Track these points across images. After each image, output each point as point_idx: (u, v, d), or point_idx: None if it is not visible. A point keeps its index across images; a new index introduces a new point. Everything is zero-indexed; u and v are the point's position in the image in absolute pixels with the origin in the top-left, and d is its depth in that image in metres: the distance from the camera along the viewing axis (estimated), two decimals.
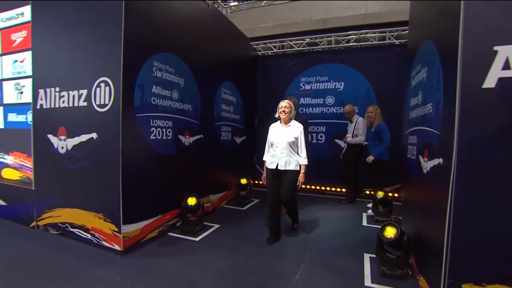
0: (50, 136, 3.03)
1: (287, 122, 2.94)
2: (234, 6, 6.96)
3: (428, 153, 1.99)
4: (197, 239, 3.09)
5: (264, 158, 3.05)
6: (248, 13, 8.93)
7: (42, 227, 3.18)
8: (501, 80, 1.42)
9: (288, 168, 2.86)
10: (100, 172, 2.69)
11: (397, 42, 5.04)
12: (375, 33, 5.33)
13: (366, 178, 4.43)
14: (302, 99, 5.70)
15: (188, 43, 3.49)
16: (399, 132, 3.78)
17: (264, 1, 7.19)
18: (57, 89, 2.95)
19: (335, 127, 5.41)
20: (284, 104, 2.92)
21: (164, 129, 3.14)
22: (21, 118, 3.70)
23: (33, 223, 3.23)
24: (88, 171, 2.77)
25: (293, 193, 2.98)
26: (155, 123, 3.00)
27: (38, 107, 3.14)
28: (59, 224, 3.01)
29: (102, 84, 2.62)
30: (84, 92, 2.74)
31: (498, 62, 1.43)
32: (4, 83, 3.89)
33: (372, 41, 5.37)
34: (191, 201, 3.25)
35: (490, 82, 1.44)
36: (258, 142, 5.92)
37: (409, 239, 2.29)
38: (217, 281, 2.25)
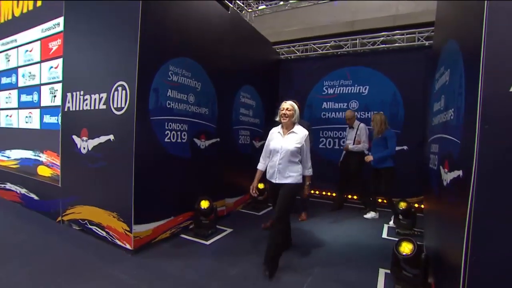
0: (74, 137, 3.23)
1: (289, 127, 2.55)
2: (259, 10, 7.02)
3: (448, 164, 1.80)
4: (208, 242, 3.10)
5: (258, 167, 2.69)
6: (275, 17, 8.94)
7: (67, 222, 3.38)
8: None
9: (287, 181, 2.47)
10: (115, 172, 2.80)
11: (427, 43, 4.71)
12: (403, 34, 5.04)
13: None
14: (325, 103, 5.55)
15: (205, 48, 3.55)
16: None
17: (289, 4, 7.15)
18: (82, 92, 3.14)
19: None
20: (285, 105, 2.52)
21: (179, 132, 3.20)
22: (53, 119, 4.00)
23: (59, 218, 3.45)
24: (105, 171, 2.90)
25: (287, 210, 2.50)
26: (170, 126, 3.06)
27: (66, 109, 3.36)
28: (79, 220, 3.18)
29: (120, 88, 2.73)
30: (104, 95, 2.88)
31: None
32: (42, 87, 4.23)
33: (400, 43, 5.08)
34: (204, 204, 3.27)
35: None
36: None
37: (428, 257, 2.09)
38: (221, 287, 2.22)
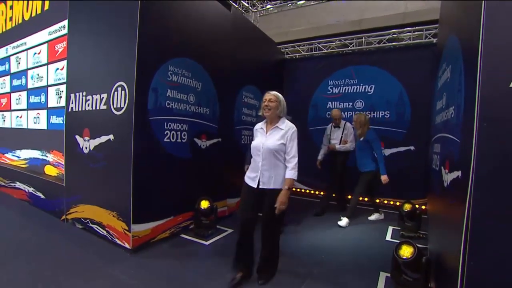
0: (77, 137, 3.28)
1: (273, 121, 2.17)
2: (264, 10, 6.99)
3: (449, 165, 1.73)
4: (207, 243, 3.08)
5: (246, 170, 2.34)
6: (282, 17, 8.89)
7: (70, 221, 3.43)
8: None
9: (273, 186, 2.10)
10: (115, 172, 2.82)
11: (434, 40, 4.57)
12: (410, 32, 4.92)
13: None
14: (330, 103, 5.47)
15: (206, 48, 3.55)
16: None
17: (294, 4, 7.09)
18: (84, 93, 3.18)
19: None
20: (268, 96, 2.15)
21: (179, 132, 3.20)
22: (59, 120, 4.08)
23: (63, 217, 3.51)
24: (105, 171, 2.93)
25: (277, 226, 2.22)
26: (170, 126, 3.07)
27: (69, 110, 3.42)
28: (82, 219, 3.23)
29: (119, 88, 2.76)
30: (104, 96, 2.91)
31: None
32: (49, 88, 4.33)
33: (407, 41, 4.96)
34: (204, 204, 3.26)
35: None
36: None
37: (429, 260, 2.01)
38: (216, 286, 2.21)
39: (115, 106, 2.80)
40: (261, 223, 2.18)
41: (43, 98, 4.42)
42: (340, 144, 4.31)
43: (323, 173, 4.55)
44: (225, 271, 2.45)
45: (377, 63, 5.04)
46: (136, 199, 2.67)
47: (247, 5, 6.52)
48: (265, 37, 5.28)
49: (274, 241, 2.27)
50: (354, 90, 5.24)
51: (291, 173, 2.10)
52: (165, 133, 3.02)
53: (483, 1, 1.26)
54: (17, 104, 5.08)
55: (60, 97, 4.05)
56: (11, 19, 5.15)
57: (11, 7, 5.15)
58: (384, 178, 3.67)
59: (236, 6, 5.93)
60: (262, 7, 6.87)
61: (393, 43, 5.12)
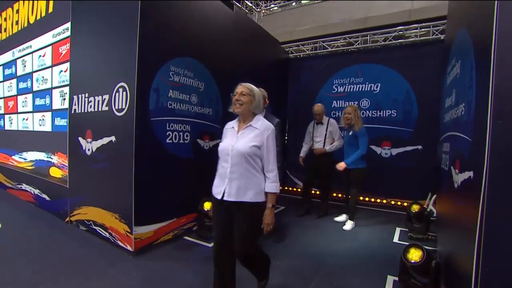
0: (80, 139, 3.27)
1: (246, 119, 1.77)
2: (268, 9, 6.95)
3: (459, 164, 1.65)
4: (211, 245, 3.04)
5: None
6: (287, 16, 8.83)
7: (74, 222, 3.43)
8: None
9: (243, 199, 1.69)
10: (117, 173, 2.80)
11: (442, 37, 4.45)
12: (416, 28, 4.80)
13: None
14: (334, 102, 5.38)
15: (209, 47, 3.51)
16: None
17: (297, 3, 7.03)
18: (86, 94, 3.18)
19: (371, 132, 4.94)
20: (240, 88, 1.76)
21: (181, 133, 3.17)
22: (63, 122, 4.09)
23: (67, 218, 3.51)
24: (107, 172, 2.91)
25: (253, 242, 1.81)
26: (172, 127, 3.04)
27: (72, 111, 3.42)
28: (85, 221, 3.22)
29: (121, 89, 2.74)
30: (106, 97, 2.90)
31: None
32: (53, 91, 4.35)
33: (414, 38, 4.84)
34: (207, 205, 3.22)
35: None
36: (288, 147, 5.75)
37: (439, 264, 1.93)
38: None
39: (116, 107, 2.78)
40: (236, 240, 1.73)
41: (47, 100, 4.44)
42: (325, 142, 4.03)
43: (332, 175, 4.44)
44: None
45: (383, 61, 4.94)
46: (138, 201, 2.64)
47: (250, 4, 6.47)
48: (268, 36, 5.23)
49: (252, 256, 1.85)
50: (360, 89, 5.15)
51: (273, 186, 1.72)
52: (167, 134, 2.99)
53: None
54: (23, 106, 5.13)
55: (64, 99, 4.06)
56: (17, 22, 5.21)
57: (17, 11, 5.20)
58: (341, 165, 3.53)
59: (240, 5, 5.90)
60: (266, 7, 6.82)
61: (399, 41, 5.01)
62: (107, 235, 2.91)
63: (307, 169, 4.26)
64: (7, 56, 5.53)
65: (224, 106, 3.85)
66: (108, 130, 2.88)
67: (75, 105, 3.37)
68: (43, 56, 4.54)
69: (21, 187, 4.63)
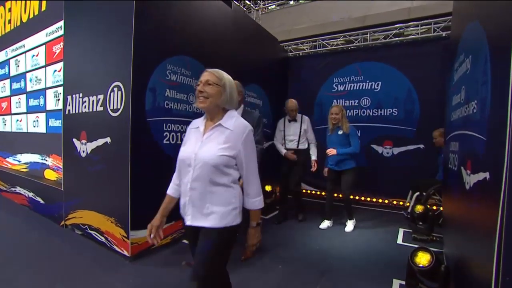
0: (74, 140, 3.17)
1: (214, 117, 1.35)
2: (267, 7, 6.87)
3: (471, 165, 1.57)
4: None
5: (168, 191, 1.58)
6: (285, 15, 8.75)
7: (69, 226, 3.33)
8: None
9: (206, 223, 1.30)
10: (112, 176, 2.71)
11: (444, 34, 4.39)
12: (418, 26, 4.73)
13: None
14: (334, 101, 5.30)
15: (206, 45, 3.42)
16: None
17: (295, 1, 6.95)
18: (81, 94, 3.08)
19: (372, 131, 4.91)
20: (205, 76, 1.33)
21: (179, 134, 3.08)
22: (58, 123, 3.98)
23: (62, 222, 3.41)
24: (102, 175, 2.82)
25: (218, 268, 1.39)
26: (169, 127, 2.95)
27: (66, 112, 3.32)
28: (80, 225, 3.12)
29: (115, 89, 2.64)
30: (101, 97, 2.80)
31: None
32: (47, 91, 4.24)
33: (415, 35, 4.77)
34: None
35: None
36: None
37: (448, 269, 1.86)
38: None
39: (111, 107, 2.68)
40: (195, 263, 1.35)
41: (41, 101, 4.33)
42: (299, 142, 3.73)
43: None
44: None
45: (384, 59, 4.87)
46: (135, 204, 2.55)
47: (248, 2, 6.39)
48: (267, 35, 5.14)
49: (215, 283, 1.43)
50: (360, 87, 5.07)
51: (255, 202, 1.35)
52: (164, 134, 2.90)
53: None
54: (17, 107, 5.01)
55: (58, 99, 3.96)
56: (9, 21, 5.09)
57: (10, 10, 5.08)
58: (332, 150, 3.35)
59: (238, 3, 5.81)
60: (264, 5, 6.74)
61: (400, 38, 4.94)
62: (103, 239, 2.82)
63: (282, 170, 3.87)
64: (0, 56, 5.41)
65: None
66: (103, 131, 2.78)
67: (69, 105, 3.26)
68: (37, 55, 4.42)
69: (15, 190, 4.51)
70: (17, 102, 5.01)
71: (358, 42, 5.27)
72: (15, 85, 5.04)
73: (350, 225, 3.55)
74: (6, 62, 5.23)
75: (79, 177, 3.14)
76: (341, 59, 5.31)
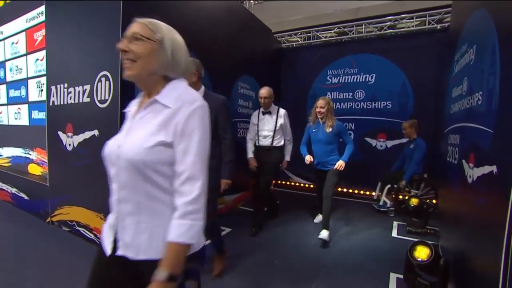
0: (60, 133, 3.01)
1: (152, 91, 0.89)
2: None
3: (475, 158, 1.54)
4: (206, 243, 2.88)
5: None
6: (277, 6, 8.58)
7: (56, 223, 3.19)
8: None
9: (145, 255, 0.81)
10: (101, 170, 2.56)
11: (438, 26, 4.37)
12: (412, 18, 4.69)
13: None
14: (329, 93, 5.24)
15: (199, 34, 3.27)
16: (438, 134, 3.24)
17: None
18: (66, 85, 2.91)
19: (366, 124, 4.89)
20: (132, 29, 0.86)
21: None
22: (42, 115, 3.79)
23: (48, 219, 3.26)
24: (90, 169, 2.69)
25: None
26: None
27: (51, 104, 3.14)
28: (68, 221, 2.99)
29: (103, 79, 2.50)
30: (87, 87, 2.65)
31: None
32: (29, 81, 4.02)
33: (409, 28, 4.74)
34: None
35: None
36: None
37: (447, 262, 1.84)
38: None
39: (99, 98, 2.54)
40: None
41: (23, 92, 4.11)
42: (274, 138, 3.20)
43: None
44: (222, 276, 2.27)
45: (378, 51, 4.83)
46: None
47: None
48: (261, 25, 5.01)
49: None
50: (354, 80, 5.03)
51: (183, 227, 0.78)
52: None
53: None
54: None
55: (42, 90, 3.75)
56: None
57: None
58: (341, 163, 2.95)
59: None
60: None
61: (395, 30, 4.89)
62: (92, 236, 2.71)
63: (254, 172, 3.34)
64: None
65: None
66: (91, 123, 2.64)
67: (53, 96, 3.09)
68: (16, 43, 4.17)
69: None
70: None
71: (353, 34, 5.20)
72: None
73: (325, 234, 2.89)
74: None
75: (66, 172, 2.99)
76: (336, 51, 5.24)
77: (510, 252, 1.10)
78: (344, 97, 5.11)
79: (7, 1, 4.25)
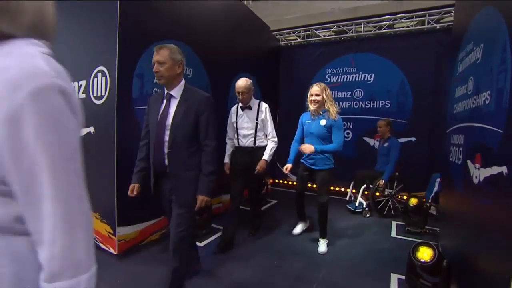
0: None
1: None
2: None
3: (481, 158, 1.51)
4: (202, 244, 2.84)
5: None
6: (275, 5, 8.52)
7: None
8: None
9: None
10: (97, 168, 2.50)
11: (438, 26, 4.36)
12: (412, 17, 4.68)
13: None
14: None
15: (197, 30, 3.21)
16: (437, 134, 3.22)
17: None
18: None
19: (364, 123, 4.87)
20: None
21: None
22: None
23: None
24: (86, 167, 2.57)
25: None
26: None
27: None
28: None
29: (99, 74, 2.42)
30: (83, 83, 2.57)
31: None
32: None
33: (408, 27, 4.72)
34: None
35: None
36: (280, 138, 5.55)
37: (450, 264, 1.82)
38: None
39: (95, 94, 2.47)
40: None
41: None
42: (256, 137, 2.78)
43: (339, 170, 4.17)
44: (220, 276, 2.23)
45: (377, 50, 4.81)
46: (121, 198, 2.37)
47: None
48: (260, 23, 4.96)
49: None
50: (353, 79, 5.01)
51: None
52: None
53: None
54: None
55: None
56: None
57: None
58: (309, 147, 2.56)
59: None
60: None
61: (394, 29, 4.88)
62: None
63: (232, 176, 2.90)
64: None
65: (213, 94, 3.58)
66: (86, 120, 2.54)
67: None
68: None
69: None
70: None
71: (352, 32, 5.17)
72: None
73: (323, 245, 2.74)
74: None
75: None
76: (334, 49, 5.21)
77: None
78: (343, 96, 5.08)
79: None
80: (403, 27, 4.80)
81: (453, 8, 3.89)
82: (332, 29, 5.37)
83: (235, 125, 2.84)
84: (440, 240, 2.61)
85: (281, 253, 2.67)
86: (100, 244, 2.52)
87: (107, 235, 2.45)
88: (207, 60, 3.39)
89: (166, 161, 1.73)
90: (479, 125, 1.58)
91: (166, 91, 1.76)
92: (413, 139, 4.52)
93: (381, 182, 3.66)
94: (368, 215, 3.78)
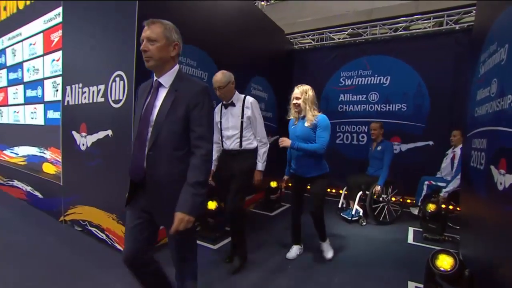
0: (74, 133, 3.03)
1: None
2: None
3: (507, 164, 1.45)
4: (216, 247, 2.85)
5: None
6: (288, 8, 8.55)
7: (69, 222, 3.21)
8: None
9: None
10: (114, 170, 2.58)
11: (457, 27, 4.24)
12: (429, 18, 4.57)
13: None
14: (342, 95, 5.17)
15: (212, 35, 3.26)
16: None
17: None
18: (80, 85, 2.93)
19: None
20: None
21: None
22: (57, 115, 3.84)
23: (61, 218, 3.29)
24: (103, 169, 2.69)
25: None
26: None
27: (65, 103, 3.17)
28: (80, 221, 3.00)
29: (117, 79, 2.50)
30: (102, 87, 2.66)
31: None
32: (45, 81, 4.08)
33: (425, 29, 4.61)
34: (211, 205, 3.01)
35: None
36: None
37: (472, 274, 1.75)
38: None
39: (113, 98, 2.54)
40: None
41: (39, 92, 4.17)
42: (242, 137, 2.37)
43: (342, 172, 4.08)
44: (233, 279, 2.22)
45: (393, 52, 4.72)
46: None
47: None
48: (274, 26, 4.98)
49: None
50: (368, 82, 4.93)
51: None
52: None
53: None
54: (14, 98, 4.85)
55: (57, 90, 3.80)
56: (5, 8, 4.89)
57: None
58: (286, 140, 2.39)
59: None
60: None
61: (410, 31, 4.78)
62: (104, 236, 2.70)
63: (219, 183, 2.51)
64: None
65: None
66: (104, 123, 2.64)
67: (68, 96, 3.12)
68: (34, 44, 4.25)
69: (12, 184, 4.38)
70: (14, 93, 4.84)
71: (367, 35, 5.11)
72: (12, 75, 4.87)
73: (329, 251, 2.68)
74: (3, 51, 5.05)
75: (79, 171, 3.01)
76: (349, 52, 5.16)
77: None
78: (358, 99, 5.01)
79: (27, 3, 4.33)
80: (420, 29, 4.69)
81: (474, 8, 3.79)
82: (346, 32, 5.33)
83: (219, 125, 2.43)
84: (460, 248, 2.51)
85: (294, 257, 2.64)
86: (117, 244, 2.57)
87: (123, 236, 2.49)
88: (222, 64, 3.41)
89: (145, 166, 1.34)
90: (504, 129, 1.52)
91: (154, 78, 1.38)
92: (431, 143, 4.40)
93: (377, 188, 3.51)
94: (364, 223, 3.60)
